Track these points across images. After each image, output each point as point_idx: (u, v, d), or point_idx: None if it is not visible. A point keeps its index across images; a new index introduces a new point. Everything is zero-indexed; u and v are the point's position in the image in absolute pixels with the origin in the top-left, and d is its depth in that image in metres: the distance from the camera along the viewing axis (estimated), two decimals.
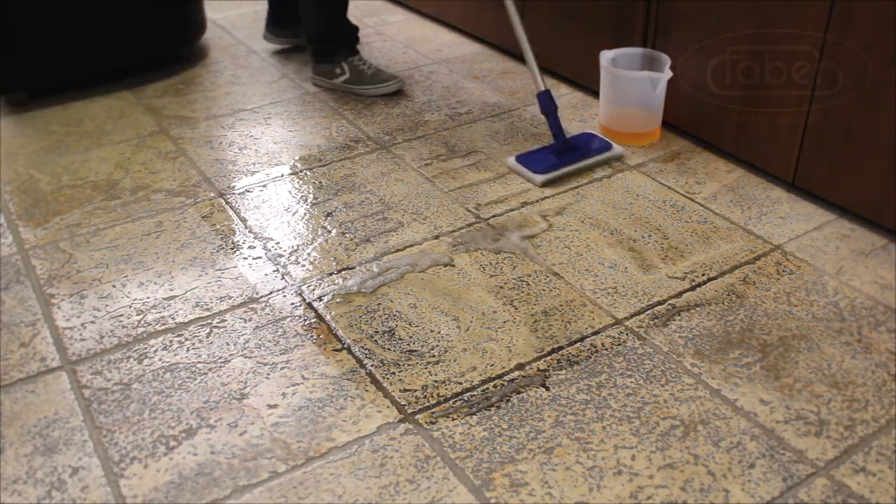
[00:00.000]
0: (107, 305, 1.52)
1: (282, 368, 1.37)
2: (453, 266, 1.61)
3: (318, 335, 1.44)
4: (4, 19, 2.12)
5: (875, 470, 1.17)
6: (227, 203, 1.83)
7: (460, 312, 1.49)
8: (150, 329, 1.46)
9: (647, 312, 1.48)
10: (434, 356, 1.39)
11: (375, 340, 1.43)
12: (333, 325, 1.47)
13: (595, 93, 2.15)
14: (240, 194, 1.86)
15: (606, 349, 1.40)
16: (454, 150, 2.03)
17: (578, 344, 1.41)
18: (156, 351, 1.41)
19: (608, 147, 1.96)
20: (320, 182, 1.91)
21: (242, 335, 1.44)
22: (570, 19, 2.22)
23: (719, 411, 1.27)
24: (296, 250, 1.67)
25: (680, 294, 1.52)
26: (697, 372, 1.35)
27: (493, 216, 1.76)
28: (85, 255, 1.66)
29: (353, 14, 2.38)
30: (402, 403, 1.30)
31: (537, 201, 1.81)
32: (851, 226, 1.70)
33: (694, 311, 1.48)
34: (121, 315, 1.49)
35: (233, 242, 1.69)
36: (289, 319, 1.48)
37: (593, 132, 2.04)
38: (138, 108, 2.26)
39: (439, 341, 1.42)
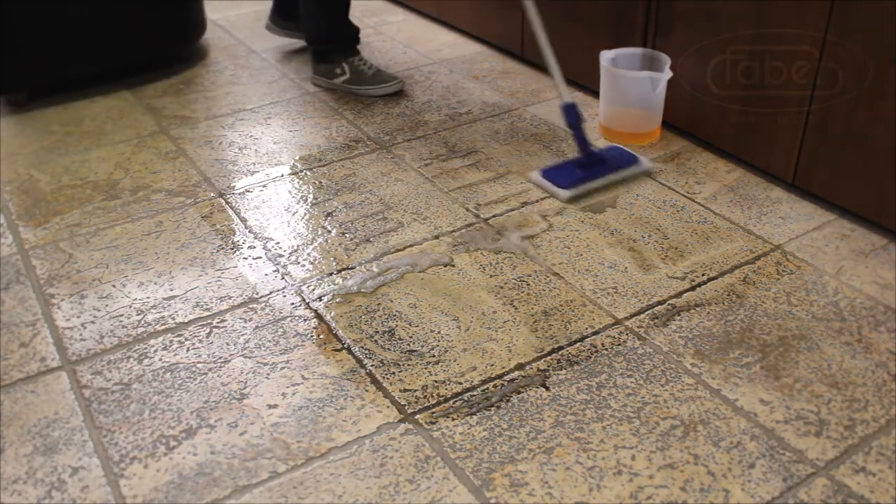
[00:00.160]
0: (107, 305, 1.52)
1: (282, 368, 1.37)
2: (453, 266, 1.61)
3: (318, 335, 1.44)
4: (4, 19, 2.12)
5: (875, 470, 1.17)
6: (227, 203, 1.83)
7: (460, 312, 1.49)
8: (150, 329, 1.46)
9: (647, 312, 1.48)
10: (434, 356, 1.39)
11: (375, 340, 1.43)
12: (333, 325, 1.47)
13: (595, 93, 2.15)
14: (240, 194, 1.86)
15: (606, 349, 1.40)
16: (454, 150, 2.03)
17: (578, 344, 1.41)
18: (156, 351, 1.41)
19: (635, 160, 1.89)
20: (320, 182, 1.91)
21: (242, 335, 1.44)
22: (570, 19, 2.22)
23: (719, 411, 1.27)
24: (296, 250, 1.67)
25: (680, 294, 1.52)
26: (697, 372, 1.35)
27: (493, 216, 1.76)
28: (85, 255, 1.66)
29: (353, 14, 2.38)
30: (402, 403, 1.30)
31: (537, 201, 1.81)
32: (851, 226, 1.70)
33: (694, 311, 1.48)
34: (121, 315, 1.49)
35: (233, 242, 1.69)
36: (289, 319, 1.48)
37: (620, 146, 1.96)
38: (138, 108, 2.26)
39: (439, 341, 1.42)
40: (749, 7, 1.75)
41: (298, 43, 2.63)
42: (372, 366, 1.37)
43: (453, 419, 1.27)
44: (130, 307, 1.51)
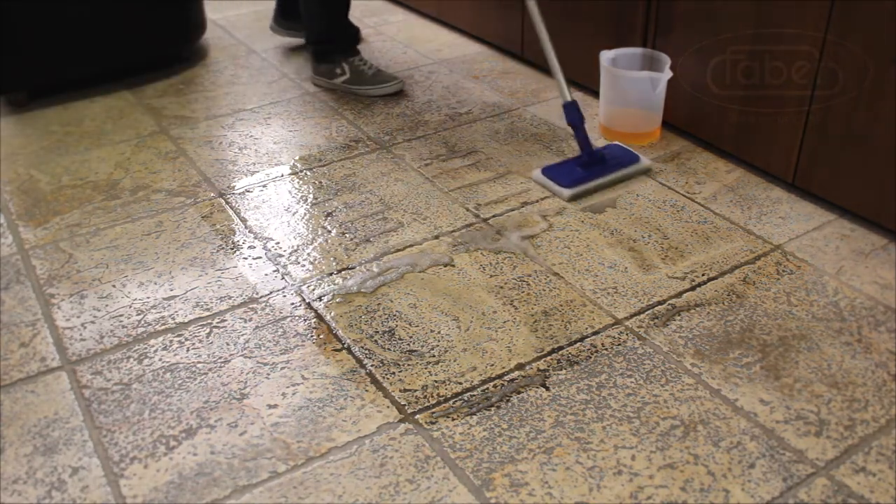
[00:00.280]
0: (107, 305, 1.52)
1: (282, 368, 1.37)
2: (453, 266, 1.61)
3: (318, 335, 1.44)
4: (4, 19, 2.12)
5: (875, 470, 1.17)
6: (227, 203, 1.83)
7: (460, 312, 1.49)
8: (150, 329, 1.46)
9: (647, 312, 1.48)
10: (434, 356, 1.39)
11: (375, 340, 1.43)
12: (333, 325, 1.47)
13: (595, 93, 2.15)
14: (240, 194, 1.86)
15: (606, 349, 1.40)
16: (454, 150, 2.03)
17: (578, 344, 1.41)
18: (156, 351, 1.41)
19: (636, 159, 1.90)
20: (320, 182, 1.91)
21: (242, 335, 1.44)
22: (570, 19, 2.22)
23: (719, 411, 1.27)
24: (296, 250, 1.67)
25: (680, 294, 1.52)
26: (697, 372, 1.35)
27: (493, 216, 1.76)
28: (85, 255, 1.66)
29: (353, 14, 2.38)
30: (402, 403, 1.30)
31: (537, 201, 1.81)
32: (851, 226, 1.70)
33: (694, 311, 1.48)
34: (121, 315, 1.49)
35: (233, 242, 1.69)
36: (289, 319, 1.48)
37: (621, 144, 1.97)
38: (138, 108, 2.26)
39: (439, 341, 1.42)
40: (749, 7, 1.75)
41: (298, 42, 2.63)
42: (372, 366, 1.37)
43: (453, 419, 1.27)
44: (130, 307, 1.51)
